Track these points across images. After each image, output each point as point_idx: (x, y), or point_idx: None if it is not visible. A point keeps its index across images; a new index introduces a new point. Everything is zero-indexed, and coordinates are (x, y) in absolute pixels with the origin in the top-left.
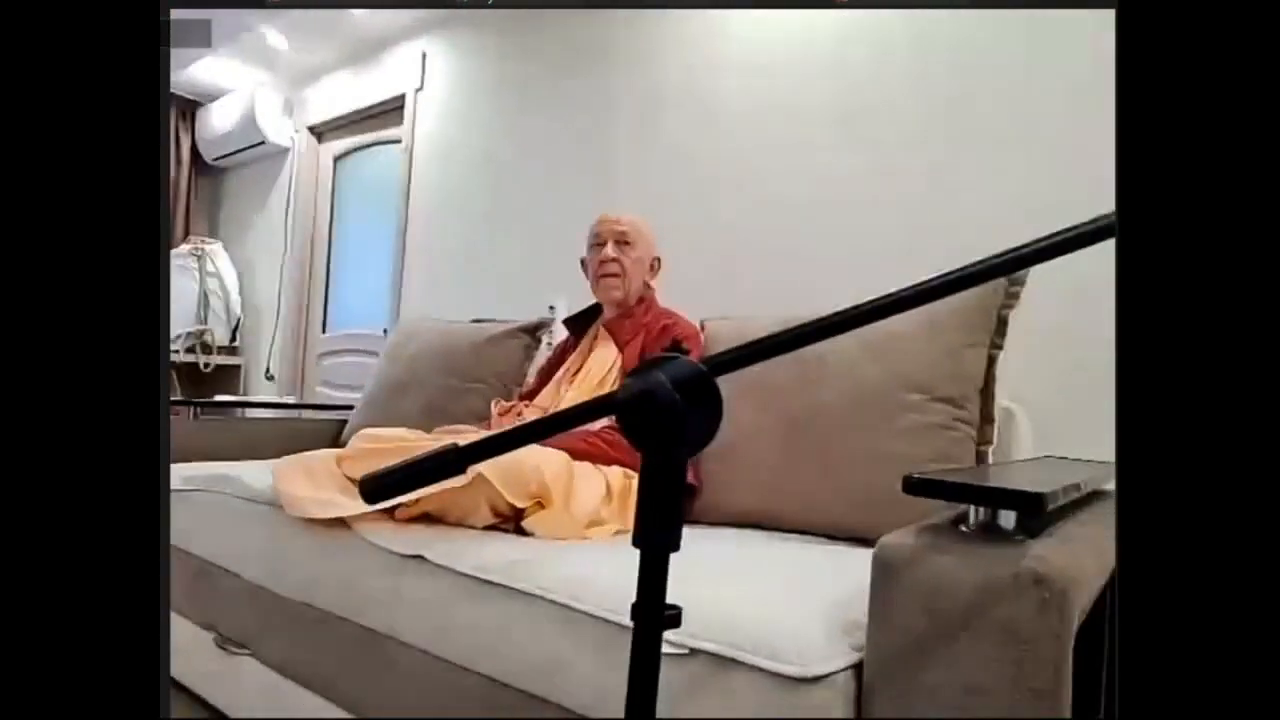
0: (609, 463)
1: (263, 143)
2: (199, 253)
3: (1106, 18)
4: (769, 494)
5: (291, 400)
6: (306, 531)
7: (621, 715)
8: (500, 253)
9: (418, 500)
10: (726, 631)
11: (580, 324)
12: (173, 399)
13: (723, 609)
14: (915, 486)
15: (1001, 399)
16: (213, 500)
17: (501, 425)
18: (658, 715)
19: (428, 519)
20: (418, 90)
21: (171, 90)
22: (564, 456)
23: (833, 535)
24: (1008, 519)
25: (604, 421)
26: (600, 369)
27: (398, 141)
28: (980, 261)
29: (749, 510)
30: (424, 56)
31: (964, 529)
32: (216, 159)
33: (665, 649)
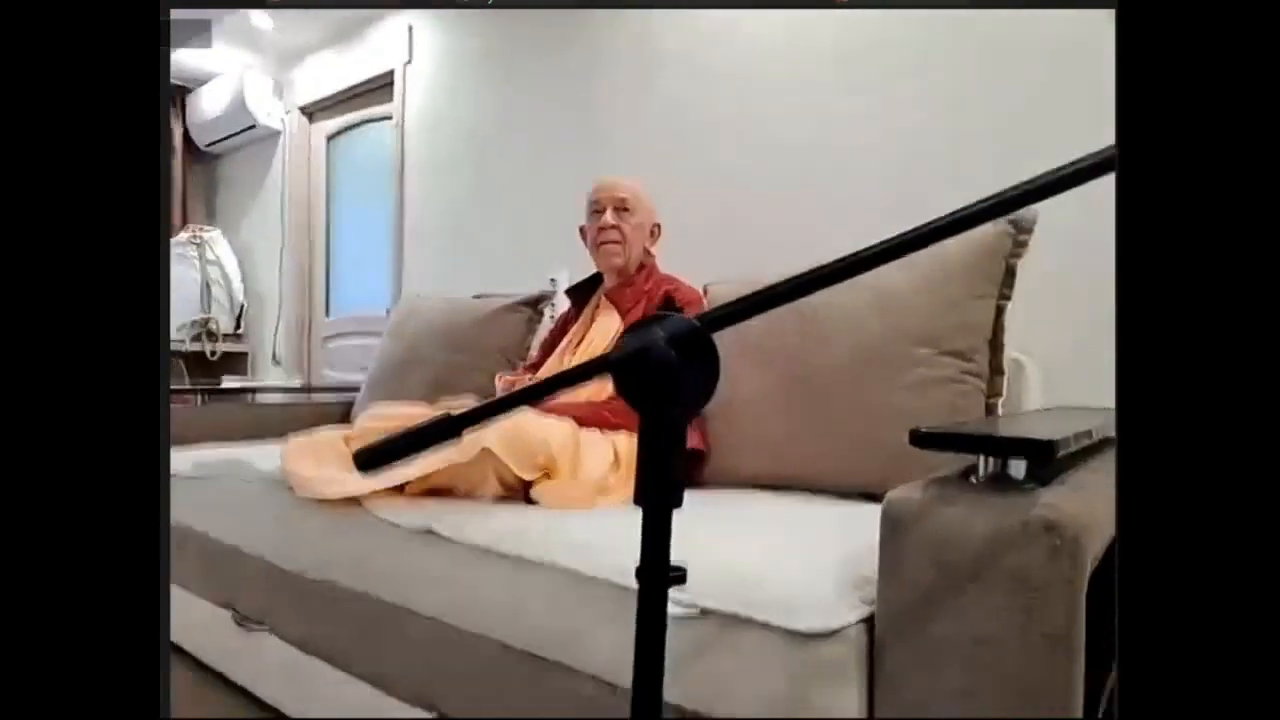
0: (615, 430)
1: (254, 126)
2: (198, 241)
3: None
4: (778, 455)
5: (298, 384)
6: (318, 510)
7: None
8: (498, 226)
9: (426, 476)
10: (737, 591)
11: (582, 294)
12: (180, 387)
13: (733, 569)
14: (923, 439)
15: (1010, 350)
16: (225, 483)
17: None
18: (671, 677)
19: (437, 494)
20: (406, 64)
21: None
22: (570, 426)
23: (844, 493)
24: (1018, 468)
25: (610, 393)
26: (603, 338)
27: (389, 118)
28: (980, 201)
29: (758, 472)
30: (410, 30)
31: (974, 480)
32: (209, 145)
33: (675, 610)
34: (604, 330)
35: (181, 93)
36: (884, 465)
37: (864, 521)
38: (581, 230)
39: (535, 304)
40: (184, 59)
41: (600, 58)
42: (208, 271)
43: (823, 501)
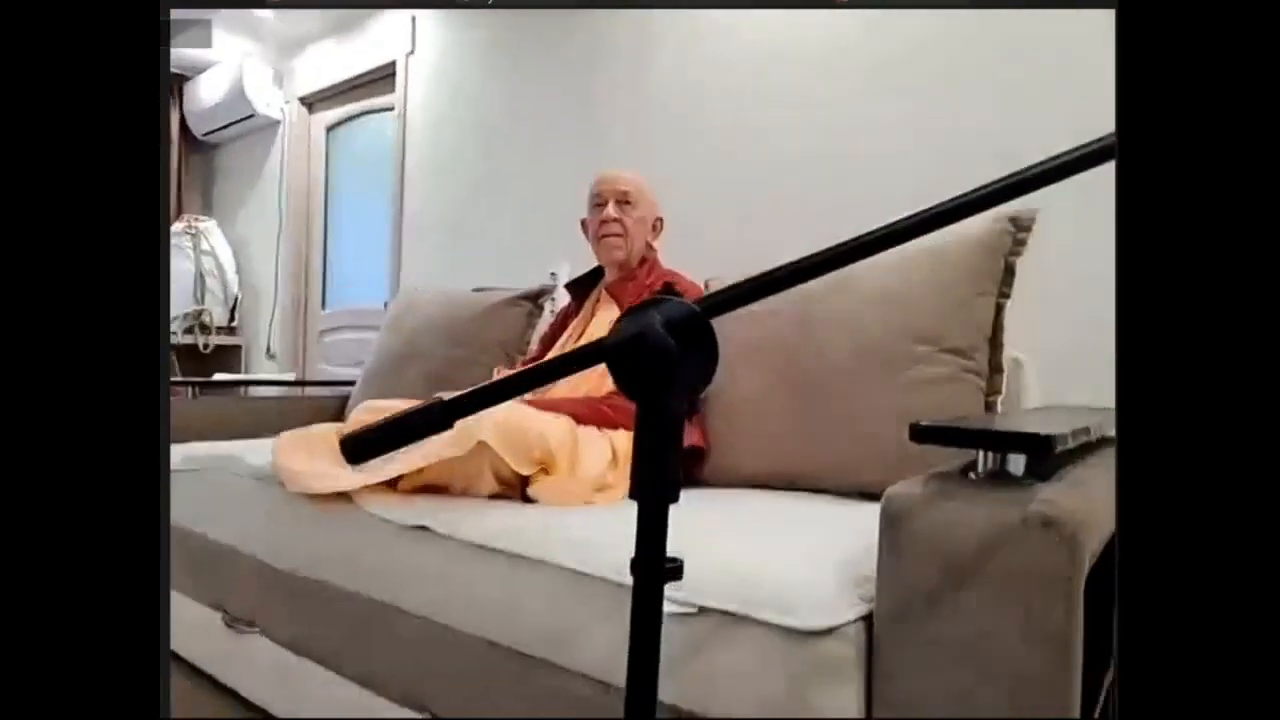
0: (614, 427)
1: (252, 115)
2: (193, 231)
3: None
4: (778, 453)
5: (292, 378)
6: (309, 507)
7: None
8: (499, 219)
9: (420, 471)
10: (735, 588)
11: (582, 288)
12: (172, 379)
13: (731, 566)
14: (922, 434)
15: (1009, 349)
16: (215, 479)
17: None
18: (667, 676)
19: (431, 490)
20: (409, 55)
21: None
22: (568, 422)
23: (844, 492)
24: (1016, 464)
25: (609, 388)
26: (603, 333)
27: (390, 109)
28: (978, 188)
29: (758, 471)
30: (413, 20)
31: (973, 476)
32: (206, 134)
33: (672, 608)
34: (604, 324)
35: (179, 80)
36: (884, 463)
37: (864, 521)
38: (583, 223)
39: (535, 298)
40: (182, 48)
41: (603, 50)
42: (202, 263)
43: (822, 500)
